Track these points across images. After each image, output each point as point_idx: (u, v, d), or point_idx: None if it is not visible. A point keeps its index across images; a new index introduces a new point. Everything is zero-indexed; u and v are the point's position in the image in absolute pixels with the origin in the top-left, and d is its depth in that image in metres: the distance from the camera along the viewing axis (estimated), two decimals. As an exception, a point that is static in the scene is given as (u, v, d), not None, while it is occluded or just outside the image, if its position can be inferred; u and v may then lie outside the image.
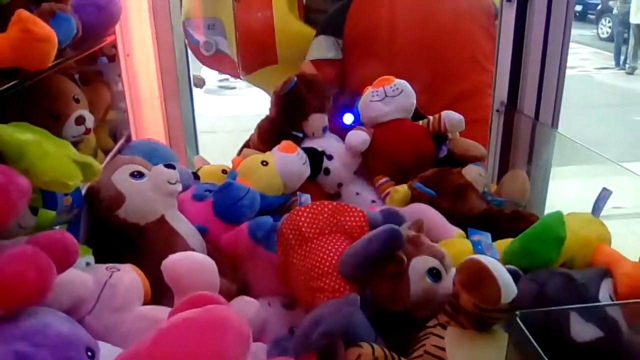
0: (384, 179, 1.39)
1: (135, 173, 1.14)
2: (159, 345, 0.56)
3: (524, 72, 1.50)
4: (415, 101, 1.44)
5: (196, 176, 1.41)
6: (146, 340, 0.58)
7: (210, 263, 0.89)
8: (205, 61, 2.45)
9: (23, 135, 0.83)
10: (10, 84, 0.89)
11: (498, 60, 1.54)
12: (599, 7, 11.32)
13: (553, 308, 0.76)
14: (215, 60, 2.39)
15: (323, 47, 1.85)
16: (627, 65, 8.94)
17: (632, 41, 9.08)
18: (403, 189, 1.29)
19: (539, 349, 0.60)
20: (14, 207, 0.68)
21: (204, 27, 2.33)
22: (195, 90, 2.02)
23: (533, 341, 0.61)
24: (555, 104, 1.47)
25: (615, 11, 9.62)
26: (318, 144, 1.42)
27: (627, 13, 9.07)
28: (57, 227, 0.99)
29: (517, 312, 0.65)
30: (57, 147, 0.87)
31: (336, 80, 1.87)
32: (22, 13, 0.88)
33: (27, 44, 0.87)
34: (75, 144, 1.22)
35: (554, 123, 1.46)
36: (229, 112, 6.07)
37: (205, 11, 2.33)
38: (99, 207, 1.11)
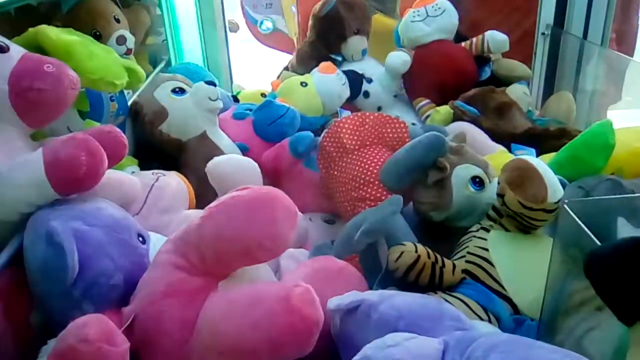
0: (425, 101, 1.36)
1: (177, 89, 1.15)
2: (211, 218, 0.58)
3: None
4: (457, 21, 1.40)
5: (236, 99, 1.41)
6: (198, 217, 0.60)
7: (253, 165, 0.90)
8: (264, 40, 2.45)
9: (70, 36, 0.84)
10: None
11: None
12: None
13: (602, 197, 0.75)
14: (274, 39, 2.40)
15: None
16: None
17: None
18: (445, 109, 1.27)
19: (590, 233, 0.59)
20: (67, 96, 0.70)
21: (262, 6, 2.35)
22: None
23: (582, 225, 0.60)
24: (606, 22, 1.41)
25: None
26: (357, 66, 1.40)
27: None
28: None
29: (566, 200, 0.64)
30: (103, 51, 0.88)
31: None
32: None
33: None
34: (117, 65, 1.24)
35: (604, 42, 1.40)
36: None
37: None
38: (142, 123, 1.13)
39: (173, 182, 0.93)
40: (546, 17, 1.50)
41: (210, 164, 0.88)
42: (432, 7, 1.38)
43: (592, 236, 0.59)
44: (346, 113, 1.18)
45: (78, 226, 0.63)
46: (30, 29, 0.84)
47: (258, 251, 0.57)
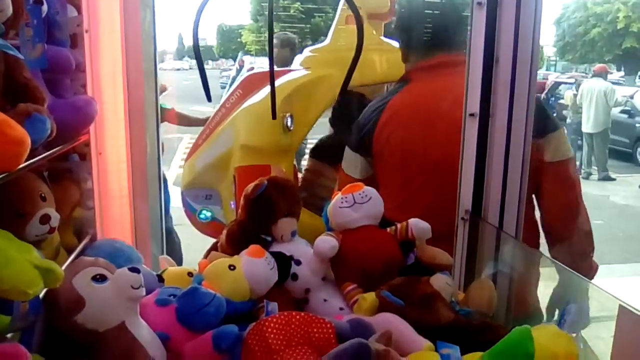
0: (351, 286, 1.38)
1: (98, 276, 1.10)
2: None
3: (487, 180, 1.56)
4: (383, 208, 1.47)
5: (160, 278, 1.38)
6: None
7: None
8: (202, 228, 2.72)
9: (-14, 240, 0.81)
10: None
11: (462, 167, 1.60)
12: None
13: None
14: (212, 228, 2.65)
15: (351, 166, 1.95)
16: (582, 171, 9.40)
17: (585, 148, 9.65)
18: (371, 297, 1.29)
19: None
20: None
21: (202, 198, 2.67)
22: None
23: None
24: (519, 213, 1.52)
25: (568, 120, 10.24)
26: (287, 248, 1.42)
27: (580, 122, 9.72)
28: (9, 335, 0.95)
29: None
30: (19, 252, 0.85)
31: None
32: (-2, 115, 0.89)
33: (0, 147, 0.87)
34: (38, 243, 1.20)
35: (517, 232, 1.50)
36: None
37: (205, 183, 2.66)
38: (56, 312, 1.07)
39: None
40: (465, 202, 1.61)
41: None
42: (359, 194, 1.45)
43: None
44: (272, 305, 1.17)
45: None
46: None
47: None
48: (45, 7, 1.32)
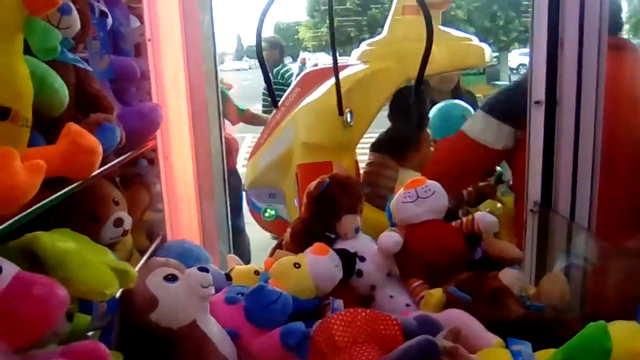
0: (417, 282, 1.36)
1: (169, 276, 1.15)
2: None
3: (556, 170, 1.50)
4: (447, 202, 1.44)
5: (228, 277, 1.41)
6: None
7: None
8: (267, 226, 2.80)
9: (64, 244, 0.86)
10: (59, 193, 0.92)
11: (529, 157, 1.55)
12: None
13: None
14: (276, 226, 2.70)
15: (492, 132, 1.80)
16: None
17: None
18: (438, 292, 1.27)
19: None
20: (53, 319, 0.69)
21: (266, 196, 2.71)
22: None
23: None
24: (591, 203, 1.45)
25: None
26: (350, 245, 1.42)
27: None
28: (90, 333, 1.00)
29: None
30: (96, 254, 0.89)
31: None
32: (72, 126, 0.94)
33: (74, 156, 0.92)
34: (113, 245, 1.26)
35: (591, 223, 1.43)
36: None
37: (268, 182, 2.70)
38: (132, 311, 1.12)
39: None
40: (534, 193, 1.55)
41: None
42: (422, 188, 1.43)
43: None
44: (338, 302, 1.18)
45: None
46: (27, 235, 0.86)
47: None
48: (110, 20, 1.38)
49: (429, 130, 2.56)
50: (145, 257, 1.39)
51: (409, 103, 2.41)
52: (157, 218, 1.61)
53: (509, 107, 1.79)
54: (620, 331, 0.96)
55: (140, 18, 1.59)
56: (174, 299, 1.12)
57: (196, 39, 1.72)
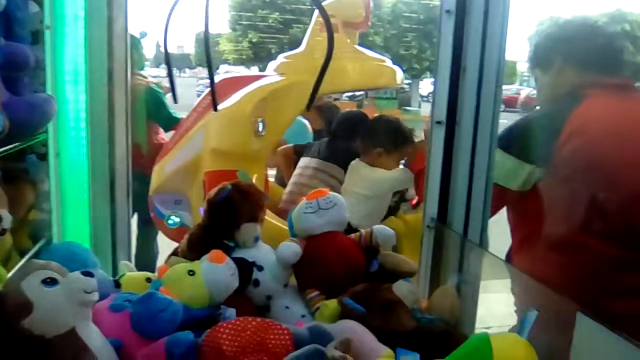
0: (314, 293, 1.36)
1: (48, 280, 1.06)
2: None
3: (452, 188, 1.56)
4: (348, 214, 1.45)
5: (117, 284, 1.34)
6: None
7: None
8: (170, 234, 2.69)
9: None
10: None
11: (428, 175, 1.60)
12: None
13: None
14: (179, 234, 2.55)
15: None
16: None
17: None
18: (332, 304, 1.27)
19: None
20: None
21: (171, 203, 2.64)
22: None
23: None
24: (484, 220, 1.52)
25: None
26: (249, 254, 1.39)
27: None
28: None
29: None
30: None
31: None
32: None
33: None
34: (-11, 244, 1.16)
35: (482, 239, 1.50)
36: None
37: (174, 188, 2.63)
38: (1, 316, 1.02)
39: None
40: (430, 210, 1.60)
41: None
42: (324, 200, 1.43)
43: None
44: (230, 311, 1.14)
45: None
46: None
47: None
48: (3, 2, 1.28)
49: None
50: (25, 259, 1.29)
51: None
52: (43, 218, 1.50)
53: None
54: (501, 341, 1.00)
55: (40, 4, 1.49)
56: (52, 304, 1.03)
57: (101, 33, 1.63)
